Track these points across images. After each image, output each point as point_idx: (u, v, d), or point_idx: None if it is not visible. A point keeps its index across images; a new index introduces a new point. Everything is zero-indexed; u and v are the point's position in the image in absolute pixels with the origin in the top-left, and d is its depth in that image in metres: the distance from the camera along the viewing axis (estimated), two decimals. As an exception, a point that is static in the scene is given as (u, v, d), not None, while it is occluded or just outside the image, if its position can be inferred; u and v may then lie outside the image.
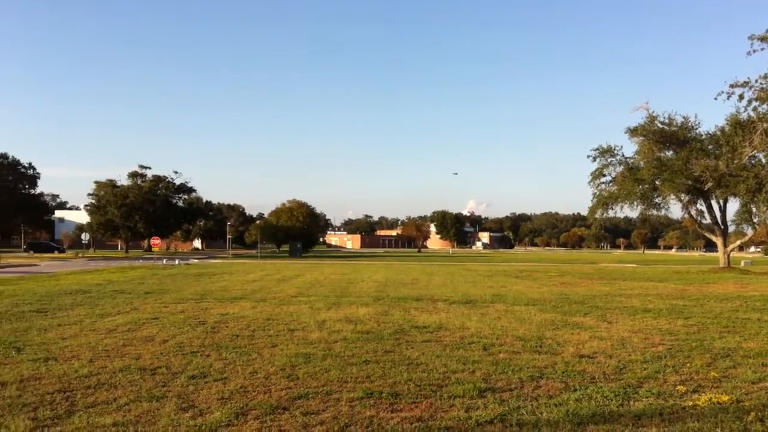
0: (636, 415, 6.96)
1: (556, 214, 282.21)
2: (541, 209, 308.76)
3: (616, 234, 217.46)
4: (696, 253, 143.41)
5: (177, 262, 54.00)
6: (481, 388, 8.11)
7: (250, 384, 8.29)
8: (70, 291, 22.54)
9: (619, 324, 14.69)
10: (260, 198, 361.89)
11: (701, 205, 50.63)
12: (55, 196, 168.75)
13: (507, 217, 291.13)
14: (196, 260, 61.73)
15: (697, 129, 47.18)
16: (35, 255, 74.46)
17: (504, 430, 6.46)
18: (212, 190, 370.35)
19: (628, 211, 51.72)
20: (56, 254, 78.95)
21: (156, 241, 66.72)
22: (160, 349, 10.83)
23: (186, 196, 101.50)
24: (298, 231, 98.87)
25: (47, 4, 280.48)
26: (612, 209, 51.42)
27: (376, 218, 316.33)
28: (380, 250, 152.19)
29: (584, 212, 72.80)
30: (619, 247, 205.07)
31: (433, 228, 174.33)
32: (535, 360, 10.04)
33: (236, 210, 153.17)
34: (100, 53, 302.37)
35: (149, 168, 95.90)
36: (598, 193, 51.72)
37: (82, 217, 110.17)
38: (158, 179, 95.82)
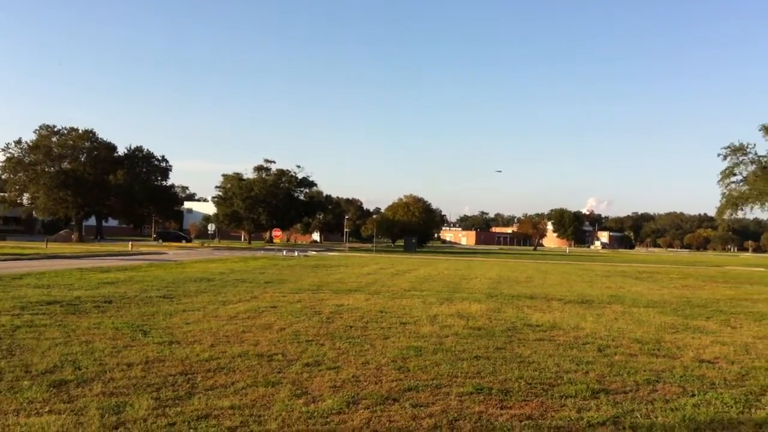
0: (757, 424, 6.65)
1: (681, 214, 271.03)
2: (665, 209, 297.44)
3: (745, 236, 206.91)
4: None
5: (296, 253, 55.42)
6: (595, 389, 7.94)
7: (362, 374, 8.44)
8: (195, 279, 23.56)
9: (743, 329, 14.03)
10: (378, 193, 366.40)
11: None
12: (184, 188, 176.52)
13: (628, 216, 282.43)
14: (314, 252, 63.10)
15: (839, 126, 44.20)
16: (164, 244, 78.12)
17: (616, 432, 6.32)
18: (332, 184, 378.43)
19: (759, 212, 49.73)
20: (183, 243, 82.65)
21: (277, 232, 68.95)
22: (277, 336, 11.17)
23: (307, 190, 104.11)
24: (414, 226, 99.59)
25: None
26: (742, 210, 49.11)
27: (491, 215, 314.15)
28: (495, 247, 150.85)
29: (711, 213, 69.90)
30: (747, 249, 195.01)
31: (550, 226, 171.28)
32: (653, 363, 9.73)
33: (354, 204, 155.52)
34: (226, 48, 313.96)
35: (273, 162, 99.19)
36: (727, 193, 49.42)
37: (209, 209, 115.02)
38: (282, 173, 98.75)
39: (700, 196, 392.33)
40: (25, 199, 79.29)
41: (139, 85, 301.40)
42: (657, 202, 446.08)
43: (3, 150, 72.62)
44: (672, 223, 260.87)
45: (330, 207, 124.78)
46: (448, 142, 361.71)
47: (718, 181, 49.59)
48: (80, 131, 76.97)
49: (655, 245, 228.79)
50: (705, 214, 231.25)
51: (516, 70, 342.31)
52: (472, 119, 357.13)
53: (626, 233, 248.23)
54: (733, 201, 48.65)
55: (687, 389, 8.13)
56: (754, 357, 10.52)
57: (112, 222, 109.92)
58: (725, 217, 50.47)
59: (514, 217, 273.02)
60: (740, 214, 50.35)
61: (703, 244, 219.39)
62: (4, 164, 73.39)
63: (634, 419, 6.73)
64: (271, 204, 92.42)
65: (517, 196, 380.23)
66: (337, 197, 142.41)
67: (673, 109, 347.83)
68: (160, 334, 11.10)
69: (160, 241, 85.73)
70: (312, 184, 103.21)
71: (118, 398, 6.95)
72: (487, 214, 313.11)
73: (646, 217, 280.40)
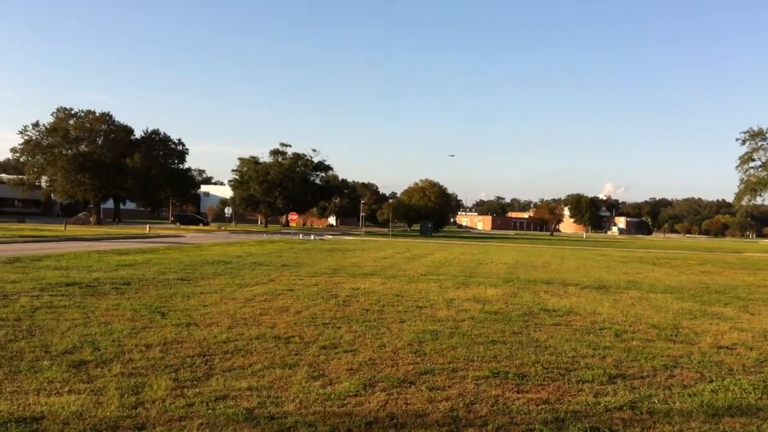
0: (777, 411, 6.61)
1: (699, 200, 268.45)
2: (683, 195, 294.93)
3: (764, 223, 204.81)
4: None
5: (312, 237, 55.54)
6: (612, 374, 7.93)
7: (378, 357, 8.47)
8: (212, 261, 23.67)
9: (762, 316, 13.94)
10: (394, 177, 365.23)
11: None
12: (201, 171, 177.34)
13: (646, 202, 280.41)
14: (330, 236, 63.19)
15: None
16: (181, 227, 78.44)
17: (634, 417, 6.30)
18: (348, 169, 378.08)
19: (778, 198, 48.72)
20: (201, 226, 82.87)
21: (293, 216, 68.91)
22: (294, 319, 11.23)
23: (323, 174, 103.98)
24: (430, 211, 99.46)
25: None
26: (761, 196, 48.61)
27: (508, 200, 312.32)
28: (511, 232, 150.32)
29: (729, 199, 69.12)
30: (765, 236, 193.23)
31: (566, 211, 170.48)
32: (670, 349, 9.69)
33: (370, 188, 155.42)
34: (241, 33, 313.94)
35: (289, 146, 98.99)
36: (746, 179, 48.96)
37: (226, 192, 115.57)
38: (297, 157, 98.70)
39: (719, 181, 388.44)
40: (44, 181, 79.94)
41: (156, 69, 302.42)
42: (675, 188, 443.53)
43: (21, 132, 73.21)
44: (690, 209, 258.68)
45: (346, 191, 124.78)
46: (465, 127, 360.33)
47: (737, 167, 49.26)
48: (97, 114, 77.29)
49: (673, 231, 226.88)
50: (723, 200, 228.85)
51: (533, 56, 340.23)
52: (489, 104, 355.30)
53: (643, 219, 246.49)
54: (751, 187, 48.22)
55: (705, 375, 8.09)
56: (772, 343, 10.44)
57: (130, 205, 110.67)
58: (743, 203, 50.11)
59: (531, 203, 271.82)
60: (759, 200, 49.95)
61: (721, 231, 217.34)
62: (22, 147, 74.02)
63: (652, 404, 6.71)
64: (287, 188, 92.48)
65: (533, 181, 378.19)
66: (353, 181, 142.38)
67: (691, 94, 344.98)
68: (177, 315, 11.18)
69: (178, 224, 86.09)
70: (328, 168, 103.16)
71: (137, 379, 7.02)
72: (503, 199, 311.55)
73: (663, 203, 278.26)
